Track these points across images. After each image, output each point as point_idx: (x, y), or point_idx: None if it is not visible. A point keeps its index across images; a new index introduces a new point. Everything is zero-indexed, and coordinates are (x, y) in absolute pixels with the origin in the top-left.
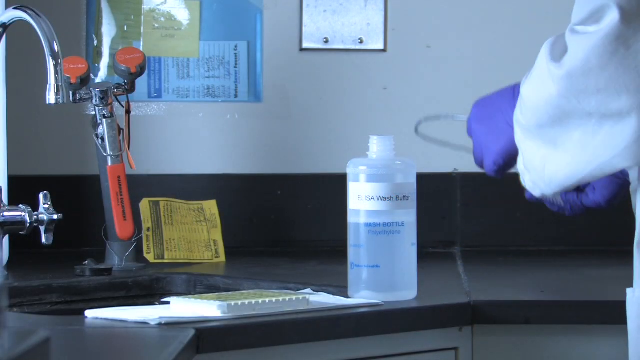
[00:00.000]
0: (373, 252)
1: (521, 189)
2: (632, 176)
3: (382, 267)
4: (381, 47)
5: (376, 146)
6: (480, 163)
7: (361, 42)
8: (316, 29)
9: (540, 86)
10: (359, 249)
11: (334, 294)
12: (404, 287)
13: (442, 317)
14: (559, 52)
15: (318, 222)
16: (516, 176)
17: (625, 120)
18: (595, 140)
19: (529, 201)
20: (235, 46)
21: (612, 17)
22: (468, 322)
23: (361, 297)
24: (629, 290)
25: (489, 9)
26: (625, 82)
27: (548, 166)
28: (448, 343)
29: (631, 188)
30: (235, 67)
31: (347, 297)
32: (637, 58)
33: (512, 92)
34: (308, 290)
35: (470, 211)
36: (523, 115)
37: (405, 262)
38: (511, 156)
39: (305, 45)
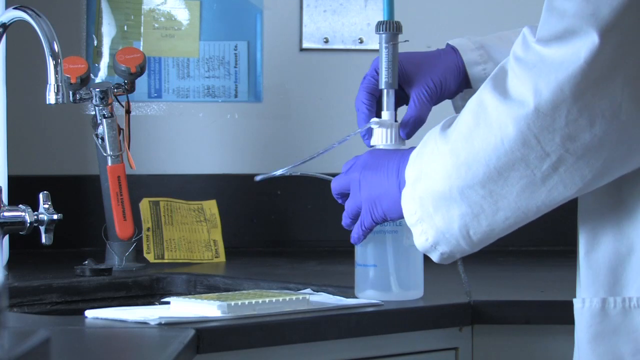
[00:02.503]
0: (379, 251)
1: None
2: None
3: (388, 266)
4: None
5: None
6: (354, 210)
7: (361, 42)
8: (316, 29)
9: (486, 133)
10: (365, 249)
11: (334, 294)
12: (410, 287)
13: (442, 317)
14: (511, 87)
15: (318, 222)
16: None
17: (591, 154)
18: (547, 184)
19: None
20: (235, 46)
21: (590, 41)
22: (468, 322)
23: (367, 296)
24: (576, 301)
25: (489, 9)
26: (602, 108)
27: (475, 230)
28: (448, 343)
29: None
30: (235, 67)
31: (349, 297)
32: (614, 83)
33: (399, 159)
34: (308, 290)
35: None
36: (433, 181)
37: (412, 262)
38: (387, 219)
39: (305, 45)
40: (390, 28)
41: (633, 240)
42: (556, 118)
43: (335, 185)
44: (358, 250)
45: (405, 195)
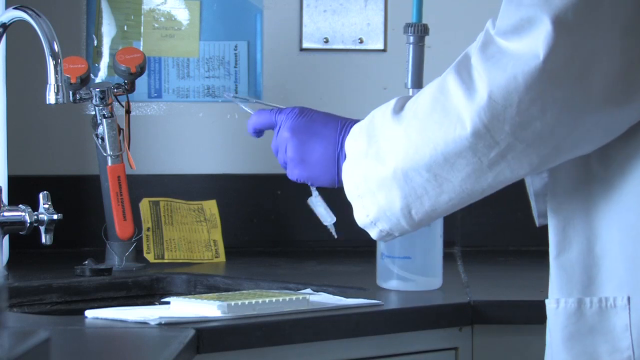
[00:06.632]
0: (406, 243)
1: (521, 188)
2: (536, 184)
3: (413, 258)
4: (381, 47)
5: None
6: (282, 164)
7: (361, 42)
8: (316, 29)
9: (442, 118)
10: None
11: (334, 294)
12: (432, 275)
13: (442, 317)
14: (471, 76)
15: (318, 222)
16: None
17: (540, 141)
18: (494, 170)
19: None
20: (235, 46)
21: (545, 29)
22: (468, 322)
23: (391, 286)
24: (549, 302)
25: (490, 9)
26: (555, 97)
27: (417, 210)
28: (448, 343)
29: (532, 191)
30: (235, 67)
31: (349, 297)
32: (569, 74)
33: (340, 131)
34: (308, 290)
35: (470, 211)
36: (379, 162)
37: (435, 253)
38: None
39: (305, 45)
40: (418, 30)
41: (606, 240)
42: (507, 107)
43: (256, 122)
44: (383, 243)
45: (347, 169)
